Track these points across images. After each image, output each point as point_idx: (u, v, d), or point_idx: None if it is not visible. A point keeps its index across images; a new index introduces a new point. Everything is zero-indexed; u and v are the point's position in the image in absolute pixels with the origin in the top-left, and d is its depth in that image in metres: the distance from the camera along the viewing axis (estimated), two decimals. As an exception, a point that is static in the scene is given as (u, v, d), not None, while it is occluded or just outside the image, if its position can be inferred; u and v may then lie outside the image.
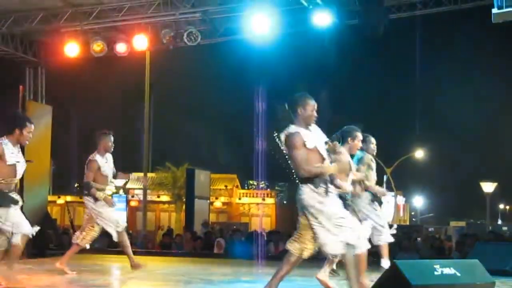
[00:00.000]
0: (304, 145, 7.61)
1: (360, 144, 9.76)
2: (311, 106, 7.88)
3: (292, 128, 7.70)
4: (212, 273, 8.76)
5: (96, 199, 11.25)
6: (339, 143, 8.85)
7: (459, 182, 64.79)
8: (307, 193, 7.58)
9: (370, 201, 11.03)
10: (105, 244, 19.29)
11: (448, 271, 6.54)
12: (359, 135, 9.66)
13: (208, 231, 20.84)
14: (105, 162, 11.24)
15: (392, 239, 11.19)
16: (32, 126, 9.22)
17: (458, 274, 6.59)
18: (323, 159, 7.72)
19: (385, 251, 11.00)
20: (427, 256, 16.11)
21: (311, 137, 7.71)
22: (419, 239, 17.62)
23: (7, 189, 8.98)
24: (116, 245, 19.27)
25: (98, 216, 11.27)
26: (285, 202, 55.45)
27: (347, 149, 9.44)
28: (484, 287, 6.83)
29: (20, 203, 9.13)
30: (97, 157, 11.16)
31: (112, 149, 11.36)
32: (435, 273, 6.47)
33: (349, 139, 9.52)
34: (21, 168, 9.22)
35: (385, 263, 10.77)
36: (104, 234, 20.40)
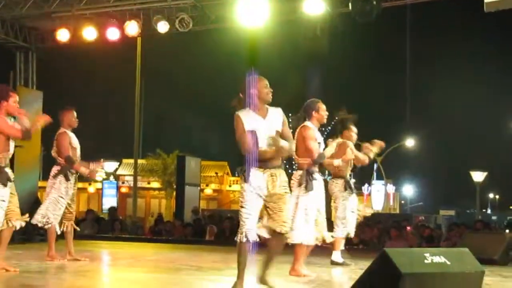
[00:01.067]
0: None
1: (325, 114, 9.70)
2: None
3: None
4: (202, 260, 8.78)
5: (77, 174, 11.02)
6: (304, 120, 9.52)
7: (449, 171, 65.09)
8: None
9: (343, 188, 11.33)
10: (94, 231, 19.33)
11: (438, 259, 6.55)
12: (322, 106, 9.65)
13: (198, 218, 20.86)
14: (73, 136, 11.10)
15: (342, 235, 11.14)
16: (16, 96, 9.22)
17: (448, 263, 6.60)
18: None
19: (337, 245, 11.05)
20: (416, 245, 16.17)
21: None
22: (409, 228, 17.64)
23: (4, 163, 8.95)
24: (107, 232, 19.36)
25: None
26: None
27: (315, 123, 9.51)
28: (474, 275, 6.84)
29: (13, 179, 9.02)
30: (67, 130, 11.07)
31: (76, 125, 11.21)
32: (425, 261, 6.48)
33: (313, 112, 9.54)
34: (13, 143, 9.23)
35: (335, 255, 11.05)
36: (95, 220, 20.53)
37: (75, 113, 11.22)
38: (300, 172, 9.31)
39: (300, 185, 9.19)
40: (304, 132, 9.31)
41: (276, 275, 8.70)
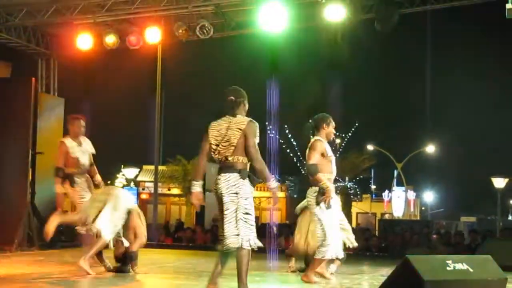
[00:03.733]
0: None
1: (333, 132, 9.64)
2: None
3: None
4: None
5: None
6: (312, 131, 9.52)
7: (470, 177, 64.62)
8: None
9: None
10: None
11: (460, 266, 6.53)
12: (333, 123, 9.60)
13: (216, 224, 20.84)
14: (75, 145, 11.02)
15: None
16: None
17: (471, 270, 6.58)
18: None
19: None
20: (438, 252, 16.12)
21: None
22: (435, 236, 17.56)
23: None
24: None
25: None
26: (295, 196, 55.48)
27: (323, 136, 9.46)
28: (497, 283, 6.81)
29: None
30: (67, 140, 11.03)
31: (82, 134, 11.21)
32: (448, 268, 6.46)
33: (324, 125, 9.51)
34: None
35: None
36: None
37: (82, 122, 11.21)
38: (315, 188, 9.13)
39: (318, 204, 9.04)
40: (314, 144, 9.32)
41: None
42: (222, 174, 7.46)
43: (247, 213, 7.32)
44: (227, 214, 7.32)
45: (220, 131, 7.48)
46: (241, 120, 7.48)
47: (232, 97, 7.59)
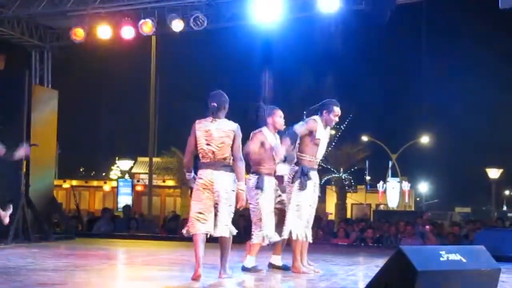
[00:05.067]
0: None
1: (336, 119, 9.62)
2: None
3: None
4: (218, 258, 8.77)
5: None
6: (315, 114, 9.57)
7: (465, 168, 64.74)
8: None
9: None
10: (111, 229, 19.41)
11: (454, 257, 6.54)
12: (337, 110, 9.57)
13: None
14: None
15: (257, 240, 9.35)
16: None
17: (464, 260, 6.59)
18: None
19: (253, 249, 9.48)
20: (432, 242, 16.15)
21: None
22: (427, 227, 17.55)
23: None
24: (123, 230, 19.40)
25: None
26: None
27: (322, 122, 9.49)
28: (490, 273, 6.83)
29: None
30: None
31: None
32: (441, 259, 6.47)
33: (324, 111, 9.55)
34: None
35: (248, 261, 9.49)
36: (111, 219, 20.60)
37: None
38: (296, 168, 9.37)
39: (293, 181, 9.29)
40: (308, 121, 9.45)
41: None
42: (221, 172, 8.30)
43: (230, 205, 8.35)
44: (221, 206, 8.28)
45: (208, 131, 8.32)
46: (230, 124, 8.41)
47: (215, 104, 8.35)
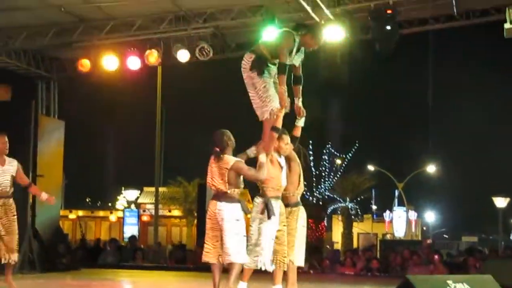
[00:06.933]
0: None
1: (286, 147, 9.28)
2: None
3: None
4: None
5: None
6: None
7: (472, 197, 64.58)
8: None
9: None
10: (117, 259, 19.36)
11: (461, 286, 6.50)
12: (285, 139, 9.24)
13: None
14: None
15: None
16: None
17: (471, 290, 6.56)
18: None
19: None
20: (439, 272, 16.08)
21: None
22: (436, 256, 17.46)
23: None
24: (128, 261, 19.37)
25: None
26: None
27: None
28: (498, 302, 6.80)
29: None
30: None
31: (7, 151, 10.67)
32: (448, 288, 6.44)
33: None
34: None
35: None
36: (117, 249, 20.58)
37: (4, 138, 10.76)
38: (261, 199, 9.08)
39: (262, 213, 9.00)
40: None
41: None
42: (224, 203, 8.49)
43: (237, 234, 8.44)
44: (226, 235, 8.42)
45: (212, 169, 8.68)
46: (230, 159, 8.59)
47: (217, 149, 8.60)
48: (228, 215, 8.46)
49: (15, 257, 10.23)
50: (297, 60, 9.23)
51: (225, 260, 8.43)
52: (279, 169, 9.12)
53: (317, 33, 9.42)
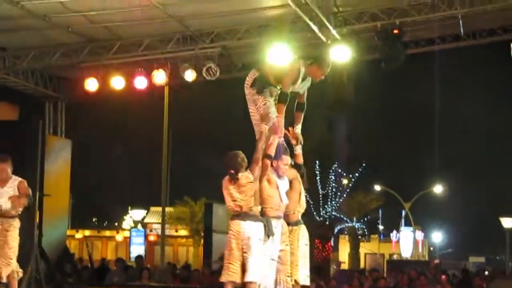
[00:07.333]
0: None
1: (286, 168, 9.14)
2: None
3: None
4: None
5: None
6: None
7: (479, 217, 64.42)
8: None
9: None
10: (123, 279, 19.31)
11: (468, 307, 6.51)
12: (285, 158, 9.11)
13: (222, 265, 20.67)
14: None
15: None
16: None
17: (479, 310, 6.55)
18: None
19: None
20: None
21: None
22: (444, 277, 17.46)
23: None
24: (135, 280, 19.34)
25: None
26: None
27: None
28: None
29: None
30: None
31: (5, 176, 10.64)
32: (455, 308, 6.44)
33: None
34: None
35: None
36: (123, 269, 20.56)
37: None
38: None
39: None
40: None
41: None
42: (248, 222, 8.37)
43: (261, 252, 8.37)
44: (250, 254, 8.31)
45: (230, 193, 8.49)
46: (248, 176, 8.42)
47: (232, 171, 8.42)
48: (255, 235, 8.40)
49: (8, 270, 10.14)
50: (302, 88, 9.24)
51: (244, 278, 8.36)
52: (276, 188, 9.05)
53: (323, 64, 9.35)
